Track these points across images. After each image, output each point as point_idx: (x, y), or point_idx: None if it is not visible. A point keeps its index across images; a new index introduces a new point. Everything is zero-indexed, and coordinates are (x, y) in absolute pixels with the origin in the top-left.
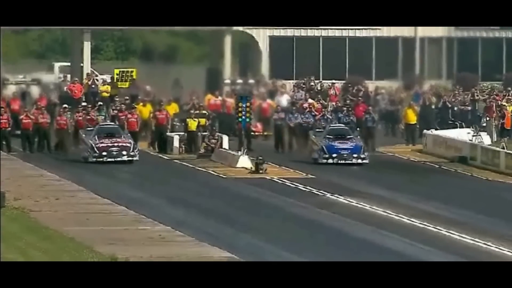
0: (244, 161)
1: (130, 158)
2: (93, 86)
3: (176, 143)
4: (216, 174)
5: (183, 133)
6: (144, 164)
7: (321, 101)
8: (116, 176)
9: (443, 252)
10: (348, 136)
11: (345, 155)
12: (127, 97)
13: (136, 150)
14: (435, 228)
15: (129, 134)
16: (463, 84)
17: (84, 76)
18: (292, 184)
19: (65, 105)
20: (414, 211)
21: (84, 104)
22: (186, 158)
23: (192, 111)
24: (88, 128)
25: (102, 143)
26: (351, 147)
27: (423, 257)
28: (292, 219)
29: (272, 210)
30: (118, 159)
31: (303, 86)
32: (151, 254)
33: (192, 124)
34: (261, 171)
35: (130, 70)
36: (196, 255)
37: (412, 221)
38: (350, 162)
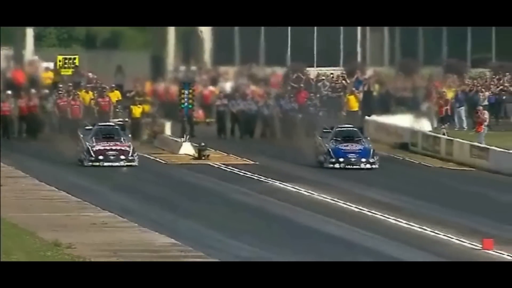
0: (187, 148)
1: (128, 164)
2: (36, 73)
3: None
4: (159, 160)
5: (126, 119)
6: None
7: (263, 88)
8: (58, 163)
9: (382, 237)
10: (357, 138)
11: (352, 159)
12: (70, 84)
13: (136, 154)
14: (371, 212)
15: (129, 136)
16: (405, 71)
17: (27, 63)
18: (235, 170)
19: (8, 92)
20: (353, 196)
21: (33, 91)
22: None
23: (136, 98)
24: (86, 127)
25: (99, 145)
26: (360, 150)
27: (362, 242)
28: (234, 205)
29: (214, 196)
30: (116, 164)
31: (246, 73)
32: (93, 240)
33: (136, 111)
34: (203, 158)
35: (73, 57)
36: (139, 241)
37: (349, 205)
38: (358, 167)
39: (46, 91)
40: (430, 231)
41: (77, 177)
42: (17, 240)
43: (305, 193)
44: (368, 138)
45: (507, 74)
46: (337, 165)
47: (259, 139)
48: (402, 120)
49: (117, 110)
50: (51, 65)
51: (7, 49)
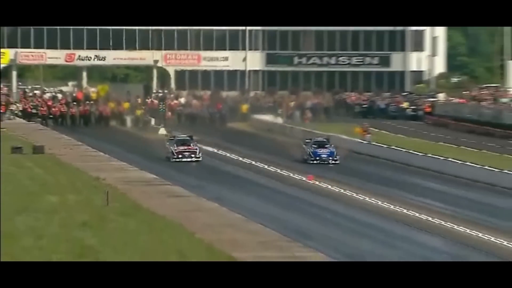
0: (162, 131)
1: (196, 159)
2: (88, 94)
3: (128, 122)
4: (149, 137)
5: (133, 116)
6: (113, 132)
7: (200, 101)
8: (98, 137)
9: (254, 173)
10: (326, 145)
11: (324, 158)
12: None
13: (200, 153)
14: (246, 159)
15: (196, 142)
16: (270, 93)
17: (83, 89)
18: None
19: (74, 103)
20: (246, 155)
21: (87, 102)
22: (133, 129)
23: (137, 106)
24: (170, 138)
25: (179, 149)
26: (328, 152)
27: (247, 176)
28: (201, 166)
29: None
30: (189, 159)
31: (191, 94)
32: (116, 176)
33: (138, 112)
34: (170, 134)
35: (105, 86)
36: (138, 176)
37: (246, 160)
38: (327, 163)
39: (92, 102)
40: (272, 168)
41: (107, 144)
42: (77, 177)
43: (222, 152)
44: (332, 145)
45: (321, 94)
46: (315, 162)
47: (199, 127)
48: (268, 117)
49: (128, 113)
50: (94, 89)
51: (74, 82)
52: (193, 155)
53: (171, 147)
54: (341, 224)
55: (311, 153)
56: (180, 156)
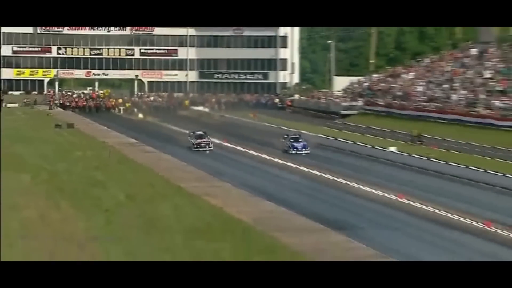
0: (140, 115)
1: (209, 149)
2: (98, 94)
3: (122, 111)
4: (133, 118)
5: (124, 108)
6: (112, 116)
7: (164, 100)
8: (104, 119)
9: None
10: (300, 140)
11: (299, 149)
12: (108, 97)
13: (211, 144)
14: (191, 131)
15: (209, 136)
16: (201, 94)
17: (96, 91)
18: (158, 122)
19: (91, 99)
20: (188, 128)
21: (98, 99)
22: (124, 115)
23: (127, 102)
24: (190, 133)
25: (197, 141)
26: (302, 145)
27: (185, 140)
28: (161, 135)
29: (155, 132)
30: (204, 149)
31: (159, 94)
32: (113, 140)
33: (127, 105)
34: (145, 117)
35: (108, 90)
36: (126, 141)
37: (187, 131)
38: (301, 152)
39: (101, 99)
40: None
41: (110, 122)
42: (92, 141)
43: (174, 127)
44: (304, 139)
45: (230, 95)
46: (293, 152)
47: (161, 114)
48: (200, 108)
49: (121, 105)
50: (102, 92)
51: (90, 88)
52: (207, 146)
53: (191, 140)
54: (245, 169)
55: (289, 146)
56: (198, 146)
